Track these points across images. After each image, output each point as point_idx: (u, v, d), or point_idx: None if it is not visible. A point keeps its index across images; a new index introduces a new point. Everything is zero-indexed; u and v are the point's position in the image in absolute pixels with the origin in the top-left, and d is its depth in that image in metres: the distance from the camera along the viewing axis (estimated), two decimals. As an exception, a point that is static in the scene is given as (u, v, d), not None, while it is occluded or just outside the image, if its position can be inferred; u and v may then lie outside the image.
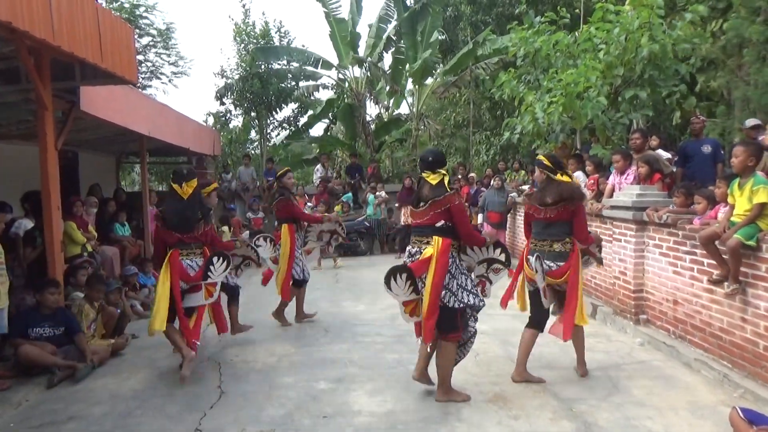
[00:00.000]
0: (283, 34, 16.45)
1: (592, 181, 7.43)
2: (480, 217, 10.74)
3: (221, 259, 5.06)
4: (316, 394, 4.46)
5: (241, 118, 17.22)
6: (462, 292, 4.10)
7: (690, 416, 3.97)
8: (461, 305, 4.10)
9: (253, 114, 16.37)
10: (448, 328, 4.14)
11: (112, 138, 9.74)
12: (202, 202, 5.25)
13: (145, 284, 7.80)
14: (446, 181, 4.17)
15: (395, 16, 16.23)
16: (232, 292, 6.00)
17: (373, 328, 6.36)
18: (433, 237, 4.07)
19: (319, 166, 14.40)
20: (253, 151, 18.29)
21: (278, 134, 18.07)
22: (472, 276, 4.38)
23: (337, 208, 13.23)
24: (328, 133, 18.88)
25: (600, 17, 7.98)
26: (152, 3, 15.21)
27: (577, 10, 10.22)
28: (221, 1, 49.13)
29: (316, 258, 8.51)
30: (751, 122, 6.77)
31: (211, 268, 4.99)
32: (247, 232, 11.32)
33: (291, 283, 6.42)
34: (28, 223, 6.26)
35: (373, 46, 16.54)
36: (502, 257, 4.43)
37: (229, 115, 16.86)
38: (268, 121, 16.87)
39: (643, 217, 5.88)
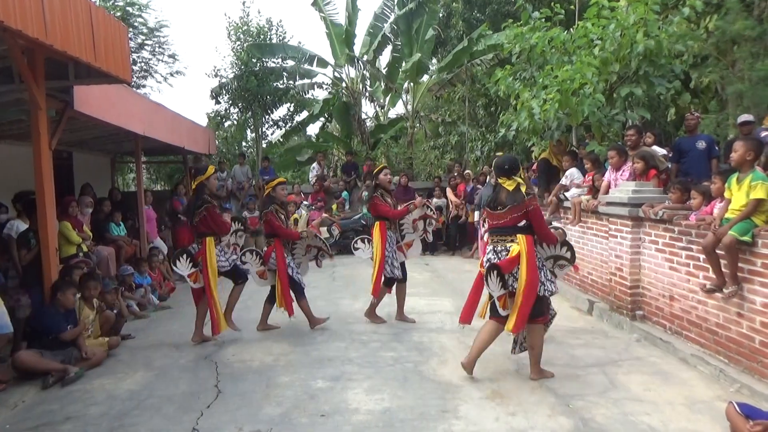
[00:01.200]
0: (280, 34, 16.39)
1: (589, 178, 7.44)
2: (476, 214, 10.73)
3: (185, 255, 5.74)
4: (313, 393, 4.45)
5: (236, 117, 17.17)
6: (546, 282, 4.56)
7: (687, 411, 3.98)
8: (548, 293, 4.57)
9: (248, 114, 16.32)
10: (537, 313, 4.52)
11: (106, 138, 9.71)
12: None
13: (141, 284, 7.77)
14: (523, 188, 4.51)
15: (392, 14, 16.21)
16: (296, 287, 6.12)
17: (370, 326, 6.35)
18: (517, 235, 4.46)
19: (315, 164, 14.36)
20: (248, 150, 18.24)
21: (273, 132, 18.03)
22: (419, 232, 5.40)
23: (334, 207, 13.21)
24: (324, 131, 18.84)
25: (595, 13, 7.98)
26: (145, 2, 15.13)
27: (572, 6, 10.19)
28: (215, 1, 48.92)
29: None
30: (743, 118, 6.79)
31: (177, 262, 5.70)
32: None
33: (382, 282, 6.28)
34: (21, 225, 6.22)
35: (369, 45, 16.51)
36: (568, 255, 4.87)
37: (224, 113, 16.79)
38: (264, 119, 16.82)
39: (639, 214, 5.89)
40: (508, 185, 4.53)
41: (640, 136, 7.11)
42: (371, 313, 6.57)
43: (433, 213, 6.60)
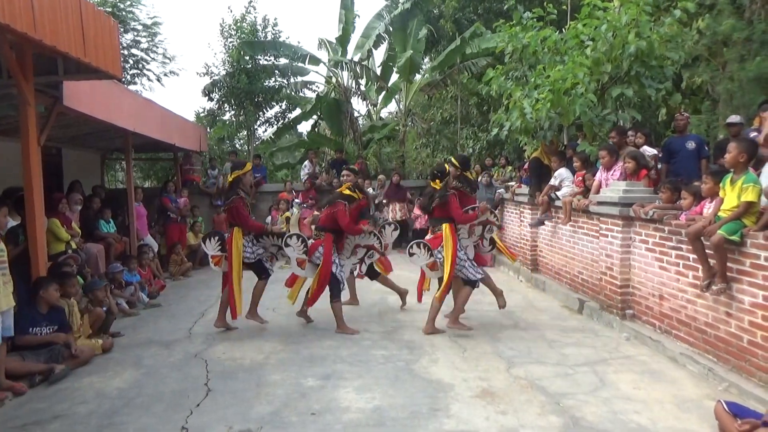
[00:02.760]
0: (275, 33, 16.30)
1: (579, 178, 7.47)
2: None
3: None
4: (304, 391, 4.44)
5: (228, 115, 17.08)
6: (467, 267, 5.89)
7: (676, 410, 4.01)
8: (470, 275, 5.88)
9: (240, 112, 16.23)
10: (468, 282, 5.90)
11: (96, 134, 9.63)
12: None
13: (130, 282, 7.72)
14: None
15: (388, 14, 16.19)
16: (335, 287, 6.06)
17: (361, 324, 6.34)
18: (443, 225, 5.85)
19: (306, 162, 14.32)
20: (240, 147, 18.16)
21: (266, 131, 17.95)
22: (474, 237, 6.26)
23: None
24: (315, 130, 18.80)
25: (587, 13, 8.01)
26: (137, -3, 15.00)
27: (564, 7, 10.22)
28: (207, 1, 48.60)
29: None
30: (731, 119, 6.84)
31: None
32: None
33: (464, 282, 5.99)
34: (10, 221, 6.15)
35: (363, 45, 16.49)
36: (494, 218, 6.47)
37: (216, 111, 16.69)
38: (257, 117, 16.74)
39: (629, 213, 5.92)
40: (435, 185, 5.89)
41: (621, 137, 7.22)
42: (455, 320, 6.01)
43: (496, 219, 6.62)
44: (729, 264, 4.50)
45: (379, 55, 17.32)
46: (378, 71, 16.85)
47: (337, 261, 6.12)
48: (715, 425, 3.63)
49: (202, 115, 17.35)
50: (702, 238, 4.65)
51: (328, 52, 16.80)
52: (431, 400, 4.21)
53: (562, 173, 7.96)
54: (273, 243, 6.34)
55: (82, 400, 4.37)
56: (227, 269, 6.02)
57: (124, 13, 14.46)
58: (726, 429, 3.47)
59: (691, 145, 6.93)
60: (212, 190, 13.05)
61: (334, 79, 16.87)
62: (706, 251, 4.66)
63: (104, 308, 6.14)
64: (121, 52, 9.87)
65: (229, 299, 5.99)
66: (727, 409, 3.51)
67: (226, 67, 15.66)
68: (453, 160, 6.46)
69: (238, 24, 15.68)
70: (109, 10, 13.53)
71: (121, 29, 13.45)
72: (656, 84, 7.83)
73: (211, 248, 6.13)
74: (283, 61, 16.34)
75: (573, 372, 4.78)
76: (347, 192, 6.21)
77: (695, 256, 4.88)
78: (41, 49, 4.83)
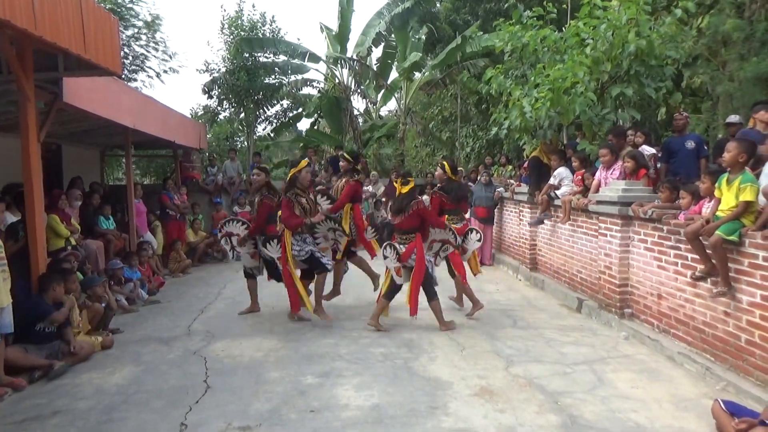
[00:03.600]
0: (273, 29, 16.29)
1: (579, 177, 7.48)
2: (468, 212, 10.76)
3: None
4: (303, 389, 4.45)
5: (227, 113, 17.08)
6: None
7: (674, 409, 4.02)
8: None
9: (240, 109, 16.23)
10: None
11: (96, 130, 9.62)
12: None
13: (130, 278, 7.72)
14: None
15: (389, 12, 16.19)
16: (430, 287, 6.02)
17: (359, 322, 6.35)
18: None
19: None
20: (240, 145, 18.15)
21: (265, 128, 17.96)
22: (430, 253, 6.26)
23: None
24: (315, 128, 18.80)
25: (587, 13, 8.01)
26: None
27: (564, 6, 10.22)
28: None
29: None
30: (730, 119, 6.84)
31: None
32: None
33: None
34: (10, 217, 6.15)
35: (363, 43, 16.49)
36: (453, 238, 6.33)
37: (215, 108, 16.69)
38: (257, 114, 16.74)
39: (628, 212, 5.93)
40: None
41: (620, 139, 7.24)
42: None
43: (455, 241, 6.40)
44: (729, 264, 4.51)
45: (379, 53, 17.34)
46: (377, 69, 16.86)
47: (429, 258, 6.20)
48: (713, 424, 3.64)
49: (200, 114, 17.32)
50: (701, 237, 4.66)
51: (329, 46, 16.77)
52: (430, 398, 4.22)
53: (561, 172, 7.97)
54: (329, 227, 6.54)
55: (82, 396, 4.38)
56: (282, 268, 6.33)
57: (124, 10, 14.43)
58: (723, 428, 3.48)
59: (690, 144, 6.94)
60: (211, 187, 13.05)
61: (334, 77, 16.87)
62: (707, 251, 4.66)
63: (103, 304, 6.14)
64: (121, 48, 9.85)
65: (289, 294, 6.34)
66: (724, 408, 3.53)
67: (226, 64, 15.65)
68: (445, 164, 6.79)
69: (232, 21, 15.67)
70: (110, 6, 13.50)
71: (122, 26, 13.43)
72: (656, 83, 7.83)
73: (275, 251, 6.37)
74: (282, 58, 16.33)
75: (571, 371, 4.79)
76: (408, 189, 6.10)
77: (694, 256, 4.89)
78: (41, 46, 4.83)
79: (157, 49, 15.58)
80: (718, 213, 4.57)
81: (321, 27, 16.89)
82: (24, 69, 5.05)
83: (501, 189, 10.62)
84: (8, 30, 4.40)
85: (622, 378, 4.61)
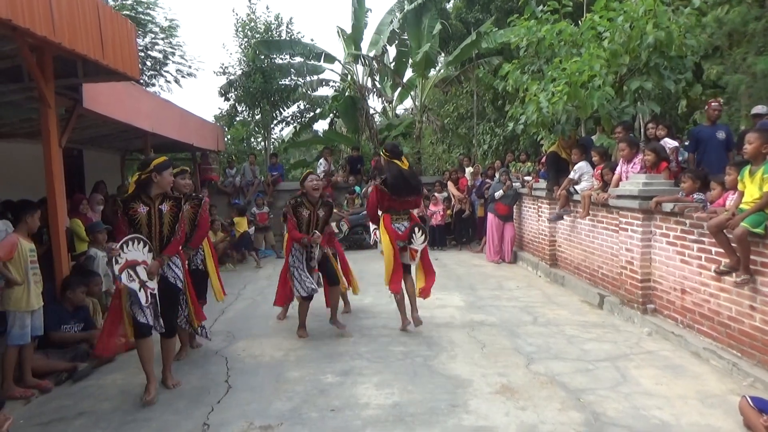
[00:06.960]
0: (289, 30, 16.39)
1: (598, 171, 7.39)
2: (488, 208, 10.69)
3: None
4: (323, 388, 4.46)
5: (243, 115, 17.22)
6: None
7: (699, 405, 3.95)
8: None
9: (257, 111, 16.34)
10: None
11: (116, 135, 9.77)
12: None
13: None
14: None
15: (402, 10, 16.18)
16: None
17: (379, 320, 6.36)
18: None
19: (322, 160, 14.37)
20: (257, 148, 18.30)
21: (282, 129, 18.09)
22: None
23: (344, 202, 13.22)
24: (332, 128, 18.86)
25: (603, 5, 7.90)
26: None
27: (579, -1, 10.09)
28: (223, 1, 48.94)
29: None
30: (756, 110, 6.69)
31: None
32: (254, 227, 11.36)
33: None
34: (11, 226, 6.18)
35: (377, 42, 16.50)
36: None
37: (232, 111, 16.83)
38: (273, 116, 16.85)
39: (649, 206, 5.84)
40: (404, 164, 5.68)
41: (626, 132, 7.19)
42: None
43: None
44: (753, 257, 4.42)
45: (393, 51, 17.32)
46: (392, 67, 16.85)
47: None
48: (740, 421, 3.57)
49: (220, 116, 17.50)
50: (725, 230, 4.57)
51: (344, 46, 16.82)
52: (450, 396, 4.20)
53: (582, 167, 7.88)
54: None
55: (106, 397, 4.44)
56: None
57: (141, 16, 14.63)
58: (751, 424, 3.42)
59: (721, 134, 6.75)
60: (230, 189, 13.16)
61: (349, 77, 16.90)
62: (732, 244, 4.57)
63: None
64: (139, 54, 9.98)
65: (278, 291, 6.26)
66: (752, 404, 3.46)
67: (242, 67, 15.77)
68: (382, 151, 5.94)
69: (245, 24, 15.79)
70: (127, 12, 13.69)
71: (140, 32, 13.61)
72: (676, 75, 7.69)
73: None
74: (298, 59, 16.41)
75: (593, 367, 4.73)
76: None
77: (718, 249, 4.80)
78: (61, 53, 4.92)
79: (174, 54, 15.78)
80: (741, 206, 4.47)
81: (338, 32, 16.94)
82: (44, 76, 5.14)
83: (517, 184, 10.43)
84: (28, 38, 4.49)
85: (645, 374, 4.54)
